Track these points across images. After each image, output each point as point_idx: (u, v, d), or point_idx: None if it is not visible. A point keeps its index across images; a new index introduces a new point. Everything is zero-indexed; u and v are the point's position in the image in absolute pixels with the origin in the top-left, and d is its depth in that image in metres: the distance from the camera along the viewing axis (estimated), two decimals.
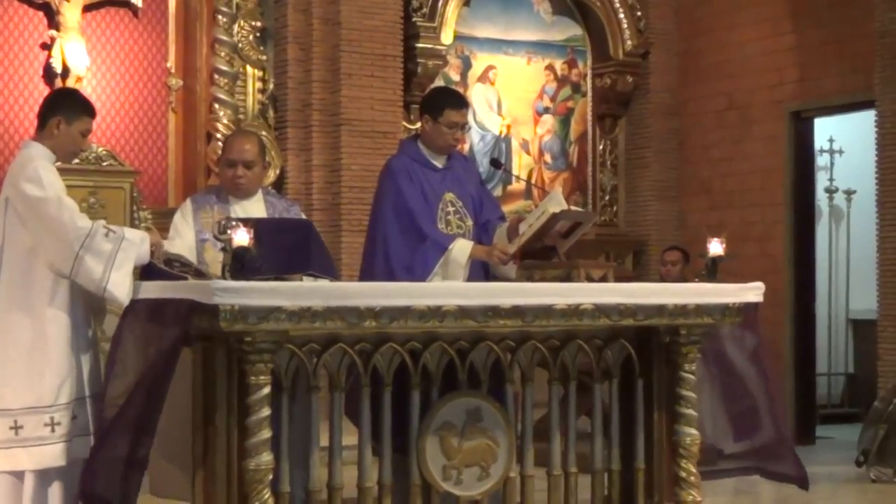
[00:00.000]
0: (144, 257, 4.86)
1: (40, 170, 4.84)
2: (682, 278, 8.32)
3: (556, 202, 5.60)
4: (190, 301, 4.38)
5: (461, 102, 5.84)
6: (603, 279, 5.36)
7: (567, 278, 5.26)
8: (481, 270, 5.73)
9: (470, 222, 5.82)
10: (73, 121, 4.98)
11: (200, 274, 4.91)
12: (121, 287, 4.76)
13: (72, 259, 4.75)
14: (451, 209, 5.79)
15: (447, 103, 5.75)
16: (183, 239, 5.26)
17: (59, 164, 5.00)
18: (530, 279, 5.36)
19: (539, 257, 5.57)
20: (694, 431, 5.29)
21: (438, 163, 5.82)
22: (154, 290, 4.70)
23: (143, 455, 4.51)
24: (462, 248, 5.57)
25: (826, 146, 11.50)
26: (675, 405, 5.30)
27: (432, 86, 9.48)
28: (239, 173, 5.33)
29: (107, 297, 4.82)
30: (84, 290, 4.84)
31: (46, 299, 4.84)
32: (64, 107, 5.04)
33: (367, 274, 5.61)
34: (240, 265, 4.39)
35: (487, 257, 5.60)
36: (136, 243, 4.82)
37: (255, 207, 5.39)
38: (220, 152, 8.76)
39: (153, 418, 4.47)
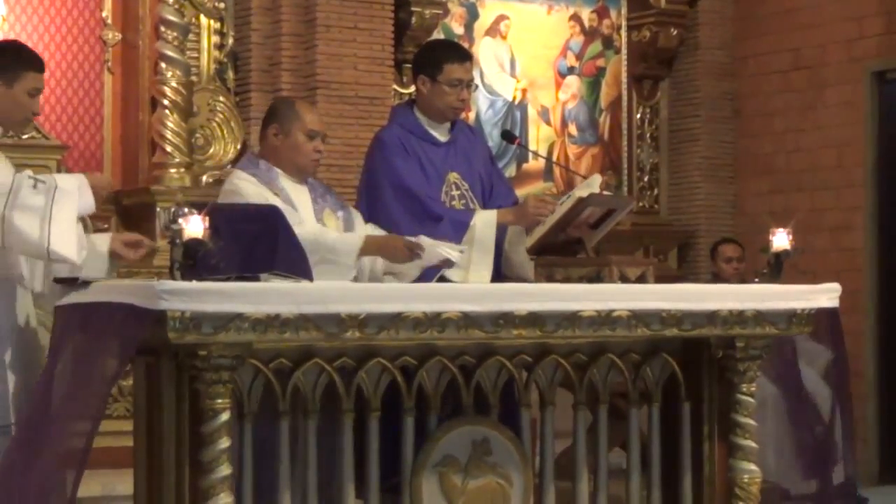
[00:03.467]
0: (88, 206, 4.89)
1: None
2: (741, 279, 8.33)
3: (587, 186, 5.61)
4: (130, 306, 4.38)
5: (464, 54, 5.88)
6: (640, 279, 5.36)
7: (597, 278, 5.26)
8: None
9: (478, 208, 5.83)
10: (14, 80, 5.04)
11: None
12: (68, 244, 4.77)
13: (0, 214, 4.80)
14: (455, 192, 5.82)
15: (447, 57, 5.78)
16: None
17: None
18: (551, 279, 5.37)
19: (562, 252, 5.58)
20: (753, 467, 5.30)
21: (440, 135, 5.83)
22: (88, 292, 4.70)
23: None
24: (487, 222, 5.59)
25: None
26: (729, 435, 5.31)
27: (428, 40, 9.46)
28: (322, 148, 5.51)
29: (54, 259, 4.83)
30: (17, 300, 4.90)
31: None
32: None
33: None
34: (192, 262, 4.39)
35: (519, 220, 5.63)
36: (73, 192, 4.86)
37: (301, 190, 5.53)
38: (158, 121, 8.81)
39: (86, 450, 4.48)
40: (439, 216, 5.64)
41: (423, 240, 5.42)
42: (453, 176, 5.84)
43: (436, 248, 5.36)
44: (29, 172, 4.91)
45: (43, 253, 4.81)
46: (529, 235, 5.62)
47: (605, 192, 5.78)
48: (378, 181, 5.75)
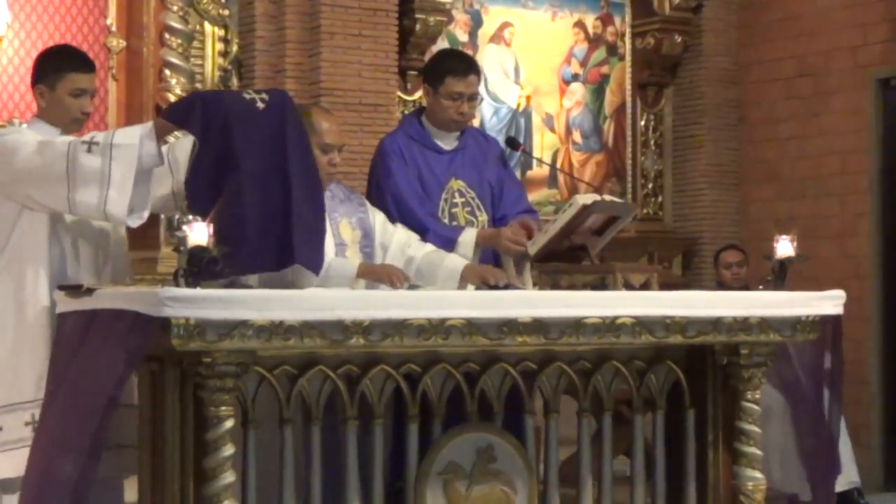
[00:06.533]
0: (151, 157, 4.94)
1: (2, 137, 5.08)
2: (744, 285, 8.32)
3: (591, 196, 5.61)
4: (134, 313, 4.39)
5: (467, 68, 5.86)
6: (645, 286, 5.36)
7: (601, 285, 5.26)
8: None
9: (484, 216, 5.86)
10: (57, 82, 5.16)
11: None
12: (119, 204, 4.89)
13: (65, 197, 4.91)
14: (458, 200, 5.83)
15: (449, 69, 5.79)
16: None
17: None
18: (556, 286, 5.37)
19: (566, 259, 5.57)
20: (758, 475, 5.30)
21: (445, 144, 5.86)
22: (91, 299, 4.70)
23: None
24: (468, 243, 5.60)
25: None
26: (734, 442, 5.31)
27: (433, 47, 9.48)
28: (337, 160, 5.45)
29: (109, 219, 5.00)
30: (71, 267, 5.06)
31: (28, 276, 5.00)
32: (42, 70, 5.22)
33: None
34: (197, 269, 4.39)
35: (496, 244, 5.63)
36: (132, 145, 4.90)
37: None
38: None
39: (98, 446, 4.50)
40: (425, 228, 5.65)
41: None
42: (457, 184, 5.85)
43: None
44: (83, 137, 5.00)
45: (102, 217, 4.96)
46: (533, 243, 5.62)
47: (609, 199, 5.78)
48: (378, 187, 5.80)
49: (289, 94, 5.26)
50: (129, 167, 4.89)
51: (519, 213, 5.93)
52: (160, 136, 5.00)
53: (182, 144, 5.10)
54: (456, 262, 5.50)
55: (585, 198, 5.52)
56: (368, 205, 5.68)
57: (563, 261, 5.57)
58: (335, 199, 5.55)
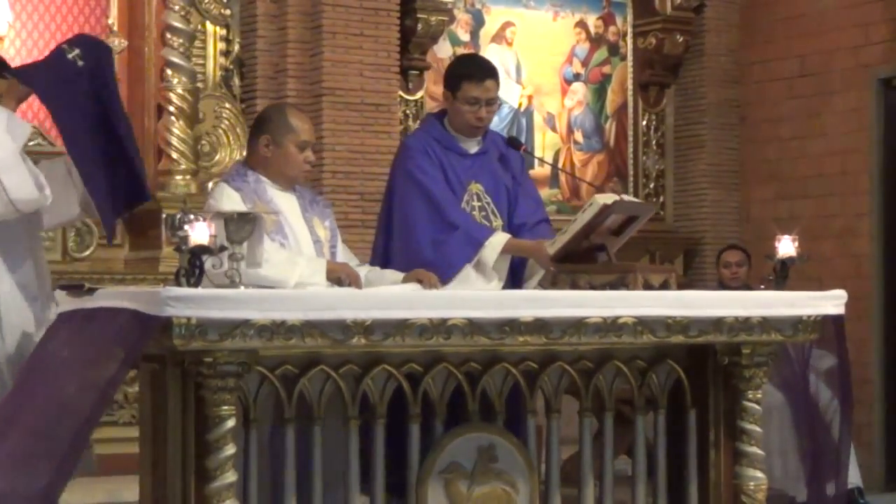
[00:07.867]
0: (19, 129, 4.99)
1: None
2: (745, 285, 8.32)
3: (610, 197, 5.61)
4: (135, 312, 4.38)
5: (484, 73, 5.87)
6: (664, 286, 5.34)
7: (621, 285, 5.24)
8: (508, 276, 5.75)
9: (499, 222, 5.87)
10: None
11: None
12: (23, 186, 4.87)
13: None
14: (476, 203, 5.86)
15: (466, 74, 5.82)
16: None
17: None
18: (574, 286, 5.35)
19: (583, 260, 5.56)
20: (759, 474, 5.30)
21: (468, 146, 5.89)
22: (92, 299, 4.70)
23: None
24: (494, 246, 5.60)
25: None
26: (735, 441, 5.31)
27: (434, 47, 9.50)
28: (313, 158, 5.49)
29: (21, 208, 4.92)
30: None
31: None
32: None
33: None
34: (198, 268, 4.39)
35: (532, 256, 5.62)
36: None
37: (289, 198, 5.52)
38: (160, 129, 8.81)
39: (80, 444, 4.48)
40: (456, 225, 5.66)
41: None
42: (475, 187, 5.88)
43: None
44: None
45: (14, 210, 4.90)
46: (552, 243, 5.60)
47: (628, 199, 5.79)
48: (400, 182, 5.81)
49: (96, 40, 5.47)
50: (6, 151, 4.86)
51: (536, 224, 5.94)
52: (16, 105, 5.06)
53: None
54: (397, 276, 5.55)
55: (606, 198, 5.51)
56: (331, 209, 5.72)
57: (581, 261, 5.56)
58: (304, 199, 5.58)
